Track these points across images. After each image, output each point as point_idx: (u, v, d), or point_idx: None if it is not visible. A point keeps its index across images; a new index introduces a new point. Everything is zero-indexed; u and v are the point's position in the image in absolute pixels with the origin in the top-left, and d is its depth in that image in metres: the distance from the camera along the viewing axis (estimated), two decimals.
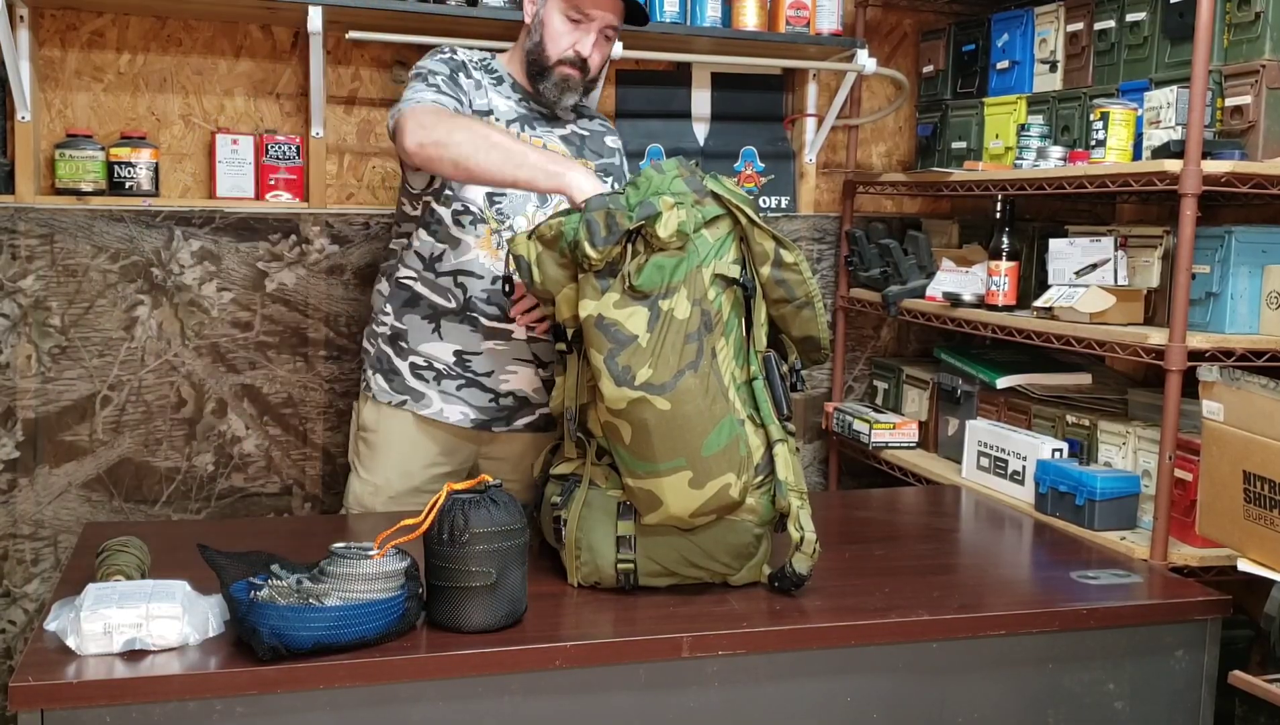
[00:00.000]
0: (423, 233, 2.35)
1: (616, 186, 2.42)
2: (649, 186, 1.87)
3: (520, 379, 2.36)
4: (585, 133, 2.46)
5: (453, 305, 2.32)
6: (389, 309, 2.40)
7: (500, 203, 2.29)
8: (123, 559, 1.81)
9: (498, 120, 2.32)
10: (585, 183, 1.96)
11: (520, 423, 2.40)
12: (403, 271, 2.39)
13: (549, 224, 1.90)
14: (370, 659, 1.62)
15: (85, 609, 1.59)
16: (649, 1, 2.94)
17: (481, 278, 2.31)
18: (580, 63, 2.31)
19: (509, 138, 2.11)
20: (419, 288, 2.36)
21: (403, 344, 2.37)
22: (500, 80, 2.38)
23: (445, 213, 2.31)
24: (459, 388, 2.35)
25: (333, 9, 2.68)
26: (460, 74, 2.30)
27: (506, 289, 2.15)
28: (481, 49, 2.47)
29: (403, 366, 2.37)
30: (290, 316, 2.94)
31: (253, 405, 2.93)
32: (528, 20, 2.36)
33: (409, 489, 2.39)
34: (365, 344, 2.47)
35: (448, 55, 2.33)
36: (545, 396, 2.38)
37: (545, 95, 2.34)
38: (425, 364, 2.36)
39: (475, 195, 2.29)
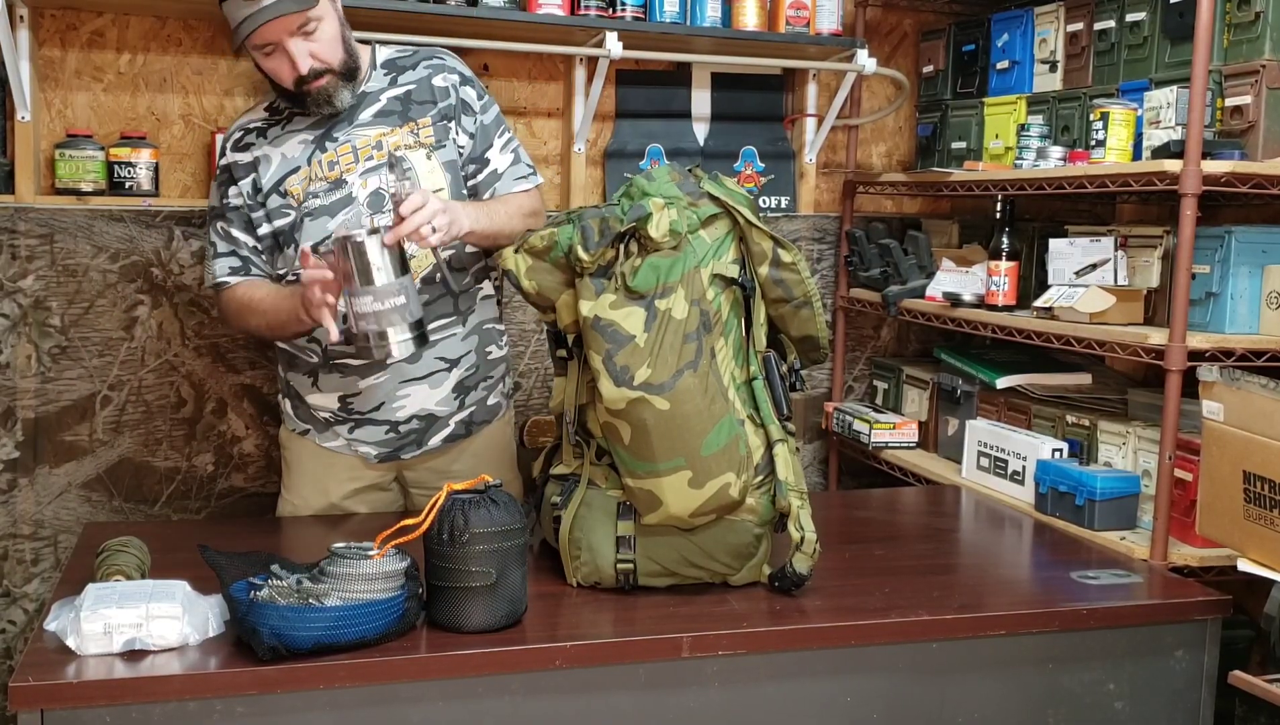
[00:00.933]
0: None
1: (460, 127, 2.30)
2: (640, 193, 1.88)
3: (417, 400, 2.28)
4: (409, 86, 2.28)
5: (315, 360, 2.29)
6: (279, 359, 2.41)
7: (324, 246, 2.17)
8: (123, 559, 1.81)
9: (294, 169, 2.22)
10: (310, 297, 2.00)
11: (435, 441, 2.33)
12: None
13: (540, 235, 1.92)
14: (370, 659, 1.62)
15: (85, 609, 1.59)
16: (649, 1, 2.94)
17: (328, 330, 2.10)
18: (311, 75, 2.13)
19: (263, 313, 2.22)
20: (290, 346, 2.33)
21: (297, 391, 2.36)
22: (290, 117, 2.25)
23: (283, 279, 2.27)
24: (351, 430, 2.32)
25: None
26: (229, 188, 2.26)
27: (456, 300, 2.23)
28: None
29: (303, 404, 2.36)
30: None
31: (253, 405, 2.93)
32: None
33: (325, 506, 2.37)
34: (278, 367, 2.44)
35: (219, 175, 2.29)
36: (455, 404, 2.32)
37: (319, 111, 2.20)
38: (317, 409, 2.34)
39: (293, 260, 2.22)
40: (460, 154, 2.29)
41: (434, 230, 1.99)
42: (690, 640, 1.74)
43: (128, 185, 2.77)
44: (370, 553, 1.68)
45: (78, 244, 2.77)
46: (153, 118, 2.89)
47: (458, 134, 2.29)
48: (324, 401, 2.32)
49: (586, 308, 1.83)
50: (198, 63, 2.90)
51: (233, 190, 2.26)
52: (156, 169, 2.81)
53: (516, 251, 1.95)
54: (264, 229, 2.26)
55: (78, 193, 2.74)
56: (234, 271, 2.28)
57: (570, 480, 1.99)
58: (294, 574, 1.69)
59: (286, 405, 2.42)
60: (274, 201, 2.24)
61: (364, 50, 2.29)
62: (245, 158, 2.26)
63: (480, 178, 2.31)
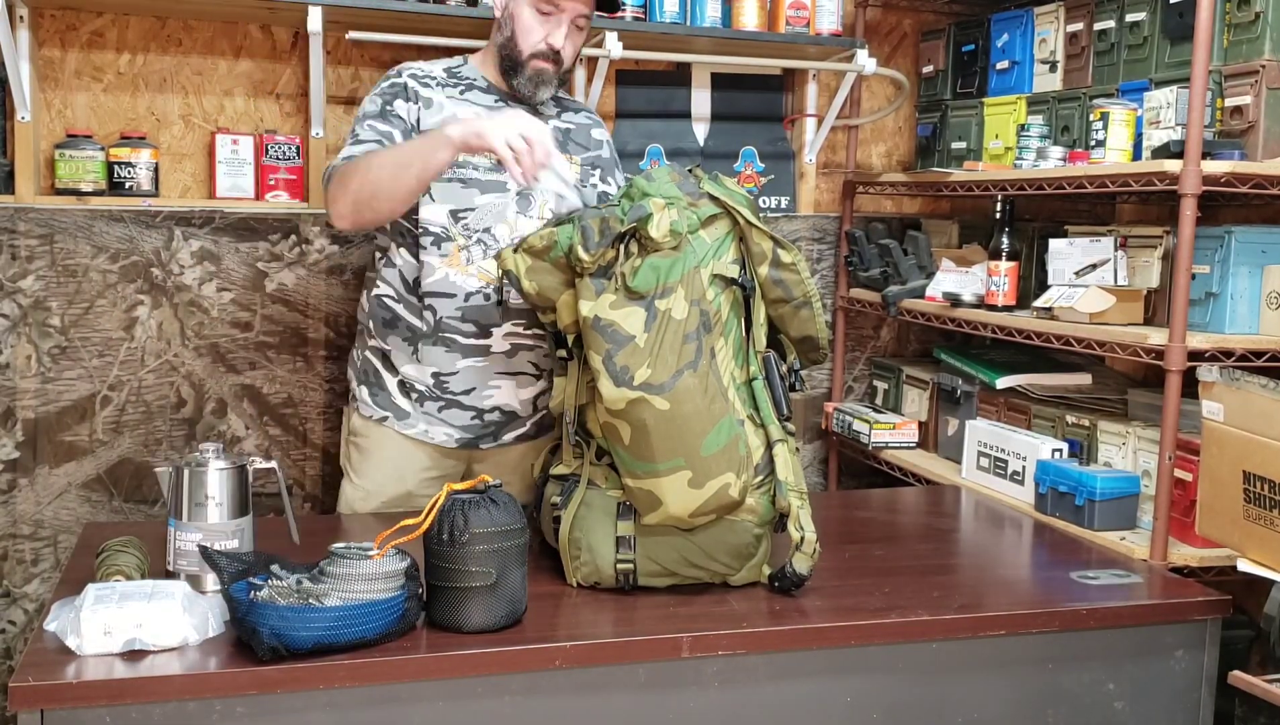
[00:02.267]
0: (404, 251, 2.33)
1: (603, 178, 2.42)
2: (640, 193, 1.88)
3: (504, 394, 2.34)
4: (570, 126, 2.43)
5: (425, 327, 2.31)
6: (372, 327, 2.40)
7: (466, 218, 2.27)
8: (123, 559, 1.81)
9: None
10: (484, 123, 2.01)
11: (509, 437, 2.39)
12: (381, 288, 2.37)
13: (539, 235, 1.92)
14: (370, 659, 1.62)
15: (85, 609, 1.59)
16: (649, 2, 2.94)
17: (453, 296, 2.28)
18: (553, 55, 2.28)
19: (394, 149, 2.17)
20: (398, 309, 2.34)
21: (390, 361, 2.37)
22: (470, 86, 2.35)
23: (412, 234, 2.30)
24: (440, 409, 2.34)
25: (333, 9, 2.67)
26: (398, 100, 2.28)
27: (496, 300, 2.16)
28: (456, 52, 2.44)
29: (391, 382, 2.37)
30: (290, 316, 2.94)
31: (253, 405, 2.93)
32: (498, 14, 2.33)
33: (402, 493, 2.38)
34: (353, 353, 2.48)
35: (389, 83, 2.31)
36: (532, 409, 2.38)
37: (520, 90, 2.31)
38: (408, 387, 2.36)
39: (437, 215, 2.27)
40: (597, 201, 2.39)
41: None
42: (690, 640, 1.74)
43: (128, 185, 2.77)
44: (370, 553, 1.68)
45: (78, 244, 2.77)
46: (153, 118, 2.89)
47: (599, 182, 2.42)
48: (418, 373, 2.33)
49: (586, 308, 1.83)
50: (198, 63, 2.90)
51: (400, 104, 2.28)
52: (156, 169, 2.82)
53: (515, 251, 1.95)
54: None
55: (78, 193, 2.74)
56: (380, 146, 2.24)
57: (570, 480, 1.99)
58: (294, 574, 1.69)
59: (363, 392, 2.41)
60: None
61: None
62: (422, 91, 2.30)
63: None
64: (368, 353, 2.42)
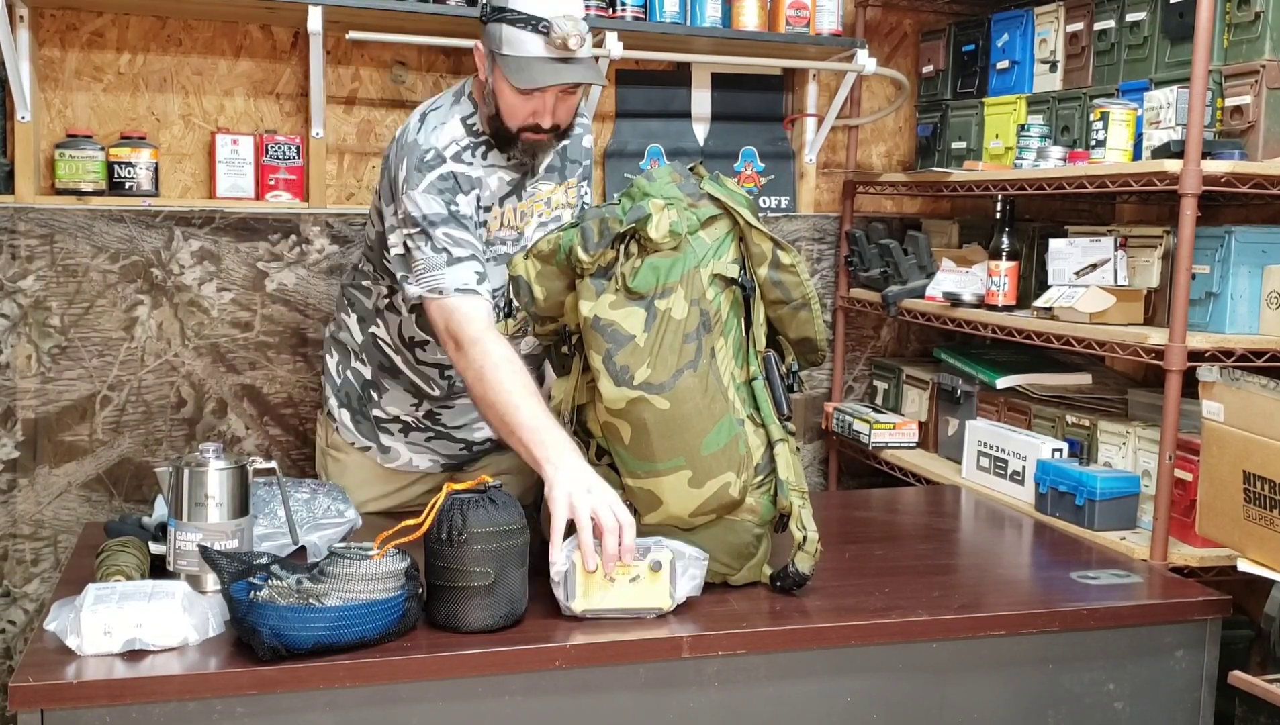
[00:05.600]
0: (413, 318, 2.22)
1: (585, 186, 2.34)
2: (640, 193, 1.88)
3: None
4: (565, 142, 2.26)
5: (436, 393, 2.27)
6: (365, 360, 2.30)
7: (497, 296, 2.13)
8: (123, 559, 1.81)
9: (490, 206, 2.14)
10: (562, 481, 1.77)
11: (490, 456, 2.39)
12: (379, 331, 2.28)
13: (547, 239, 1.92)
14: (370, 659, 1.62)
15: (85, 609, 1.59)
16: (649, 2, 2.94)
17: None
18: (545, 129, 2.09)
19: (513, 410, 1.89)
20: (400, 364, 2.26)
21: (374, 396, 2.32)
22: (486, 144, 2.14)
23: None
24: (428, 440, 2.33)
25: (333, 9, 2.67)
26: (457, 199, 2.07)
27: (506, 310, 2.14)
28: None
29: (371, 415, 2.33)
30: (290, 316, 2.94)
31: (253, 405, 2.93)
32: (481, 79, 2.12)
33: (381, 505, 2.36)
34: (331, 367, 2.38)
35: (437, 175, 2.06)
36: None
37: (520, 160, 2.15)
38: (392, 418, 2.33)
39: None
40: (581, 209, 2.31)
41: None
42: (690, 640, 1.74)
43: (128, 185, 2.77)
44: (370, 553, 1.68)
45: (78, 244, 2.77)
46: (153, 118, 2.89)
47: (582, 194, 2.34)
48: (410, 411, 2.31)
49: (586, 308, 1.83)
50: (198, 63, 2.90)
51: (461, 198, 2.07)
52: (156, 169, 2.82)
53: (526, 257, 1.95)
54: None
55: (78, 193, 2.74)
56: (481, 277, 2.03)
57: None
58: (294, 574, 1.69)
59: (344, 416, 2.35)
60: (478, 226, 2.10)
61: None
62: (469, 172, 2.10)
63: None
64: (349, 375, 2.35)
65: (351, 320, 2.35)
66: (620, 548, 1.74)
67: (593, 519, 1.75)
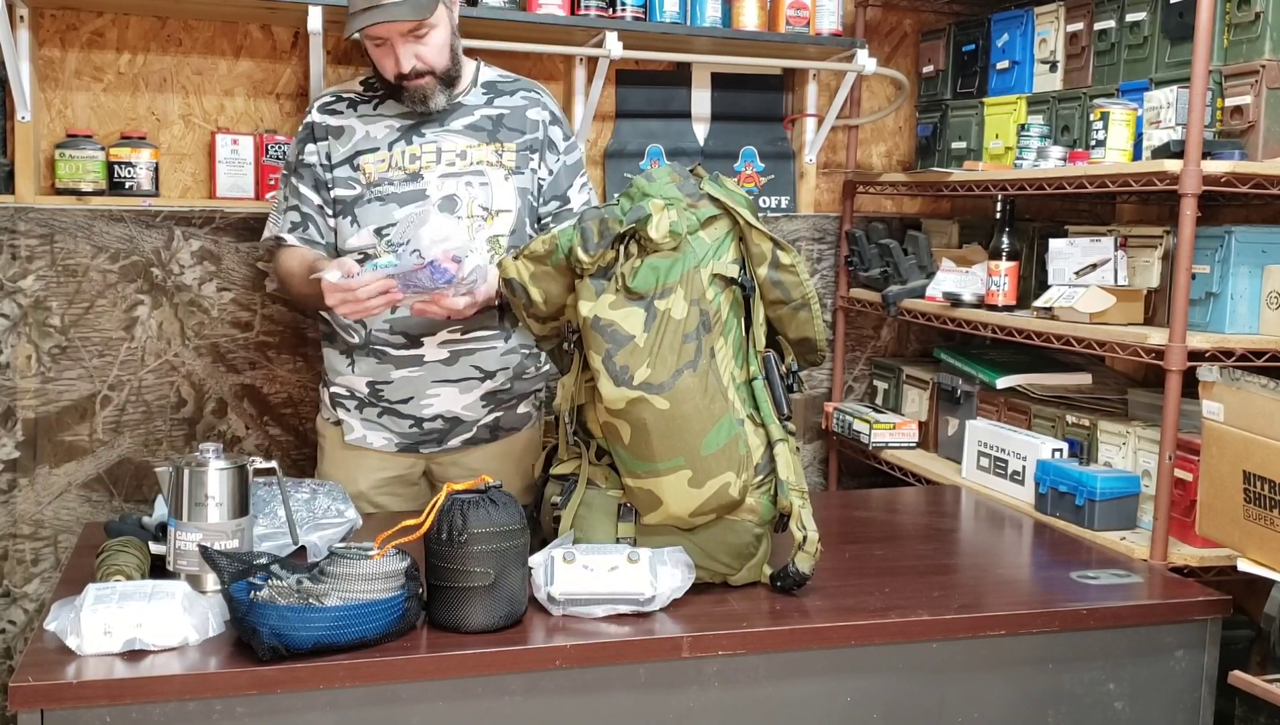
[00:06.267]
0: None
1: (542, 161, 2.37)
2: (640, 194, 1.88)
3: (445, 401, 2.32)
4: (504, 111, 2.36)
5: (356, 340, 2.32)
6: (321, 337, 2.45)
7: (389, 234, 2.24)
8: (123, 559, 1.81)
9: (374, 149, 2.29)
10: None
11: (455, 442, 2.38)
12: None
13: (541, 240, 1.92)
14: (370, 659, 1.62)
15: (85, 609, 1.59)
16: (649, 2, 2.94)
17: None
18: (411, 74, 2.23)
19: (292, 276, 2.28)
20: (333, 322, 2.36)
21: (326, 372, 2.42)
22: (384, 99, 2.33)
23: (339, 256, 2.28)
24: (379, 415, 2.36)
25: (333, 9, 2.67)
26: (307, 144, 2.32)
27: (499, 313, 2.20)
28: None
29: (325, 394, 2.43)
30: (290, 316, 2.94)
31: (253, 405, 2.93)
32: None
33: (354, 493, 2.35)
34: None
35: (302, 125, 2.36)
36: (484, 412, 2.36)
37: (414, 109, 2.29)
38: (346, 393, 2.37)
39: (363, 238, 2.28)
40: (539, 186, 2.37)
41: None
42: (690, 640, 1.74)
43: (128, 185, 2.77)
44: (370, 553, 1.67)
45: (78, 244, 2.77)
46: (153, 118, 2.89)
47: (539, 166, 2.37)
48: (355, 383, 2.35)
49: (586, 308, 1.83)
50: (198, 63, 2.90)
51: (310, 147, 2.33)
52: (156, 169, 2.81)
53: (517, 259, 1.95)
54: (330, 195, 2.32)
55: (78, 193, 2.74)
56: (294, 227, 2.33)
57: (570, 480, 1.98)
58: (294, 574, 1.69)
59: (324, 392, 2.45)
60: (342, 172, 2.31)
61: (469, 63, 2.39)
62: (330, 122, 2.33)
63: (558, 214, 2.38)
64: (322, 364, 2.47)
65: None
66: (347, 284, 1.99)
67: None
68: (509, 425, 2.42)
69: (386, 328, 2.28)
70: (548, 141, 2.39)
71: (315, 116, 2.35)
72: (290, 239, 2.33)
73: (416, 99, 2.27)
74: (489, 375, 2.33)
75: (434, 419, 2.34)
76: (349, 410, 2.38)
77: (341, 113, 2.34)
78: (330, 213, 2.33)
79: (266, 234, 2.39)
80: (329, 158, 2.31)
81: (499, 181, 2.31)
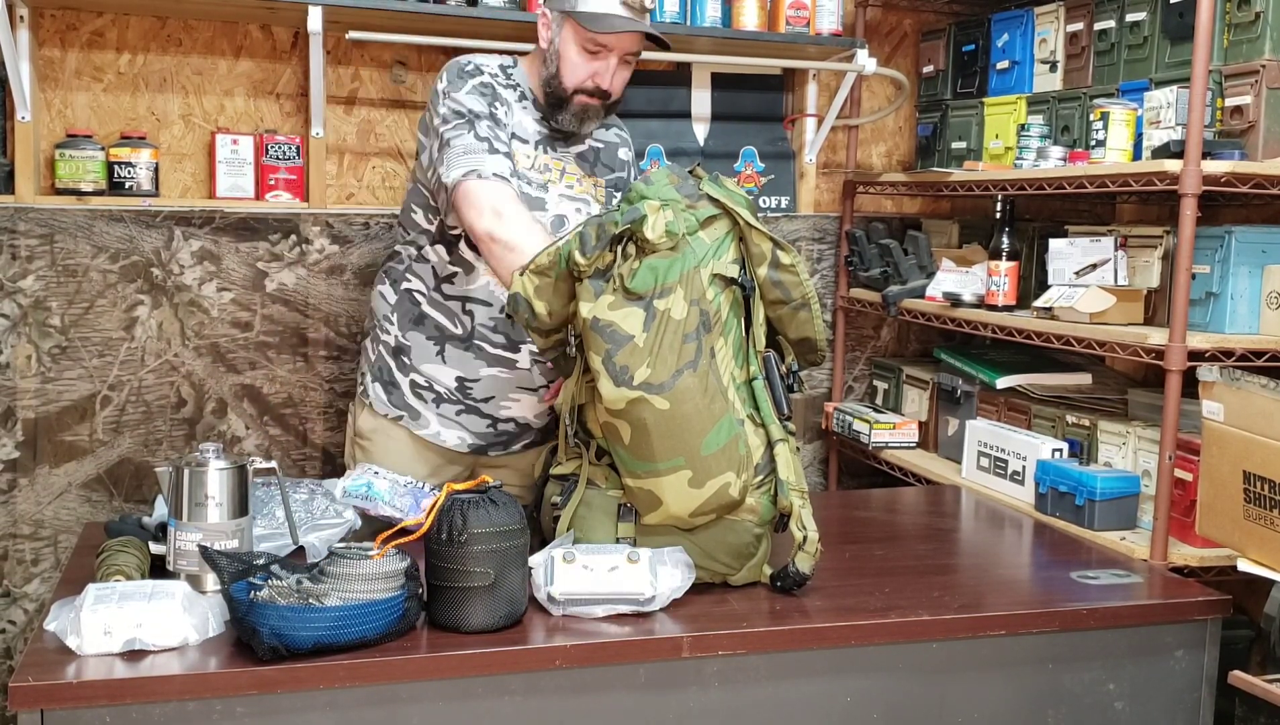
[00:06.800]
0: (440, 248, 2.30)
1: (617, 200, 2.38)
2: (638, 196, 1.88)
3: (522, 406, 2.35)
4: (600, 145, 2.42)
5: (459, 331, 2.30)
6: (394, 318, 2.37)
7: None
8: (123, 559, 1.81)
9: (524, 141, 2.27)
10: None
11: (518, 447, 2.41)
12: (412, 282, 2.35)
13: (546, 251, 1.90)
14: (370, 659, 1.62)
15: (85, 609, 1.59)
16: None
17: (489, 305, 2.29)
18: (600, 93, 2.24)
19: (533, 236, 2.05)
20: (426, 306, 2.33)
21: (405, 359, 2.35)
22: (523, 95, 2.31)
23: (461, 234, 2.27)
24: (458, 413, 2.34)
25: (333, 9, 2.68)
26: (495, 105, 2.22)
27: (507, 315, 2.17)
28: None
29: (403, 382, 2.36)
30: (290, 316, 2.94)
31: (253, 405, 2.93)
32: (543, 45, 2.27)
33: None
34: (367, 348, 2.45)
35: (479, 81, 2.22)
36: (546, 419, 2.38)
37: (564, 125, 2.27)
38: (426, 384, 2.34)
39: None
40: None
41: None
42: (690, 640, 1.74)
43: (128, 185, 2.77)
44: (370, 553, 1.68)
45: (78, 244, 2.77)
46: (153, 118, 2.89)
47: (611, 205, 2.37)
48: (441, 374, 2.33)
49: (585, 309, 1.83)
50: (198, 63, 2.90)
51: (499, 107, 2.22)
52: (156, 169, 2.82)
53: (523, 274, 1.93)
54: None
55: (78, 193, 2.74)
56: (513, 176, 2.16)
57: (570, 480, 1.99)
58: (294, 574, 1.69)
59: (377, 388, 2.37)
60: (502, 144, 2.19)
61: None
62: (501, 91, 2.25)
63: None
64: (382, 349, 2.39)
65: (386, 289, 2.40)
66: None
67: None
68: (554, 429, 2.41)
69: (492, 325, 2.28)
70: (630, 181, 2.44)
71: (496, 77, 2.24)
72: (517, 184, 2.16)
73: (578, 118, 2.25)
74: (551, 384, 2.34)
75: (507, 422, 2.35)
76: (426, 402, 2.34)
77: (509, 88, 2.27)
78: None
79: (460, 174, 2.10)
80: (500, 120, 2.21)
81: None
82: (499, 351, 2.30)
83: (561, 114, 2.26)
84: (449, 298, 2.31)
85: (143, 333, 2.84)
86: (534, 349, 2.28)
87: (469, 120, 2.16)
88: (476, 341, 2.30)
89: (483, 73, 2.24)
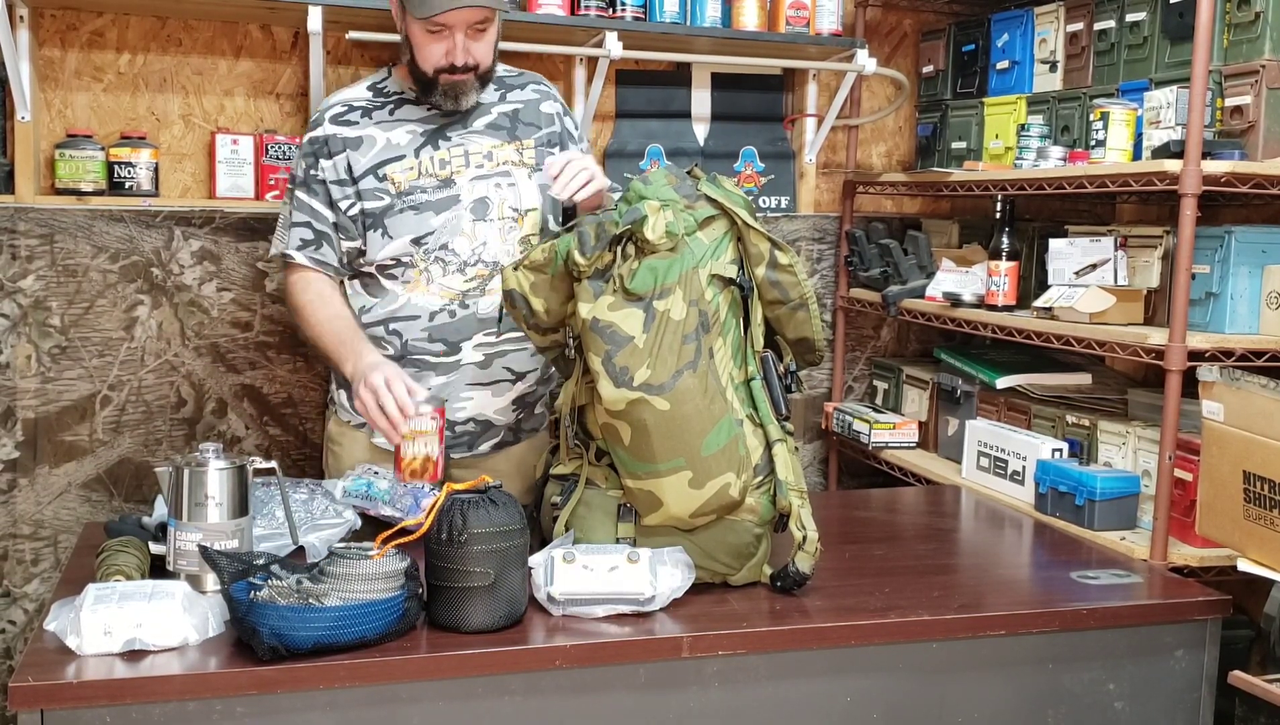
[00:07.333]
0: (355, 284, 2.31)
1: (561, 149, 2.35)
2: (637, 196, 1.88)
3: (476, 404, 2.30)
4: (517, 106, 2.35)
5: (391, 352, 2.27)
6: None
7: (426, 242, 2.23)
8: (123, 559, 1.81)
9: (399, 157, 2.23)
10: (364, 383, 2.04)
11: (484, 446, 2.36)
12: (353, 301, 2.33)
13: (540, 248, 1.90)
14: (370, 659, 1.62)
15: (85, 609, 1.59)
16: (649, 2, 2.94)
17: (417, 318, 2.25)
18: (461, 69, 2.19)
19: (323, 329, 2.23)
20: (365, 327, 2.29)
21: None
22: (400, 101, 2.28)
23: (371, 269, 2.27)
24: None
25: (333, 9, 2.67)
26: (320, 160, 2.24)
27: (497, 319, 2.16)
28: (374, 82, 2.34)
29: (347, 398, 2.33)
30: (290, 316, 2.94)
31: (253, 405, 2.93)
32: (398, 32, 2.25)
33: None
34: None
35: (310, 138, 2.27)
36: (512, 415, 2.35)
37: (442, 106, 2.24)
38: None
39: (399, 247, 2.23)
40: None
41: (583, 182, 2.09)
42: (690, 640, 1.74)
43: (128, 185, 2.77)
44: (370, 553, 1.68)
45: (78, 244, 2.77)
46: (153, 118, 2.89)
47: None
48: None
49: (585, 310, 1.83)
50: (198, 63, 2.90)
51: (325, 163, 2.25)
52: (156, 169, 2.81)
53: (516, 269, 1.93)
54: (352, 209, 2.25)
55: (78, 193, 2.74)
56: (304, 245, 2.26)
57: (570, 480, 1.99)
58: (294, 574, 1.68)
59: (341, 396, 2.37)
60: (368, 183, 2.23)
61: None
62: (346, 133, 2.25)
63: None
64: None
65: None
66: (397, 405, 1.98)
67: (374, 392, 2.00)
68: (529, 427, 2.41)
69: (425, 336, 2.25)
70: (565, 133, 2.39)
71: (328, 129, 2.26)
72: (299, 257, 2.26)
73: (449, 95, 2.22)
74: (520, 376, 2.31)
75: (465, 423, 2.31)
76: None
77: (357, 122, 2.26)
78: (345, 230, 2.26)
79: (274, 250, 2.35)
80: (350, 171, 2.23)
81: (523, 181, 2.30)
82: (441, 359, 2.26)
83: (434, 96, 2.23)
84: (370, 325, 2.28)
85: (143, 333, 2.84)
86: (476, 343, 2.25)
87: (291, 188, 2.31)
88: (414, 357, 2.26)
89: (320, 125, 2.27)
